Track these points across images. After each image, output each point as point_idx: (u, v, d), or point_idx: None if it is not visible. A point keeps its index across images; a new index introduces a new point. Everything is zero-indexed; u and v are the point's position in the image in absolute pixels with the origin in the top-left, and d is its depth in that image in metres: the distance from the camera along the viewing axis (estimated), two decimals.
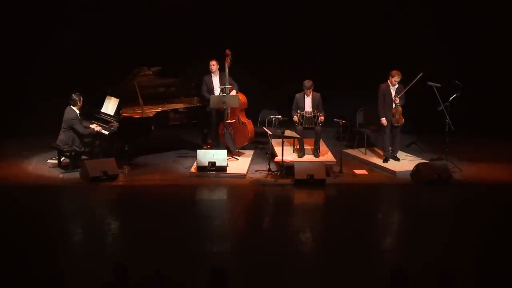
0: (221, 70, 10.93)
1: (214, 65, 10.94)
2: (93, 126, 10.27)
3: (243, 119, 11.14)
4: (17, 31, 12.22)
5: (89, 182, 9.64)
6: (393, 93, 10.40)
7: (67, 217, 8.65)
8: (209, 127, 11.29)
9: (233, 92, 10.87)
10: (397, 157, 10.72)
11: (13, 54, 12.19)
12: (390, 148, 10.75)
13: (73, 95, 10.12)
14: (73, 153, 10.09)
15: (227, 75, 10.84)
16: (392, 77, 10.36)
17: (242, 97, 11.04)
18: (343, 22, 12.59)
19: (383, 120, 10.47)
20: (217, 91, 10.90)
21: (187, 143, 11.78)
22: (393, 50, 12.28)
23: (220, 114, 10.96)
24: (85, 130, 10.12)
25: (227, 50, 10.80)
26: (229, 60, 10.81)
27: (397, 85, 10.39)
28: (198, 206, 9.39)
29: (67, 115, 10.07)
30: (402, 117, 10.43)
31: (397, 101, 10.34)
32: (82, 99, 10.14)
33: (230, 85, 10.86)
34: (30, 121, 11.81)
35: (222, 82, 10.93)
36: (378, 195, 9.83)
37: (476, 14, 12.42)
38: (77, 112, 10.11)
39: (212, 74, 11.02)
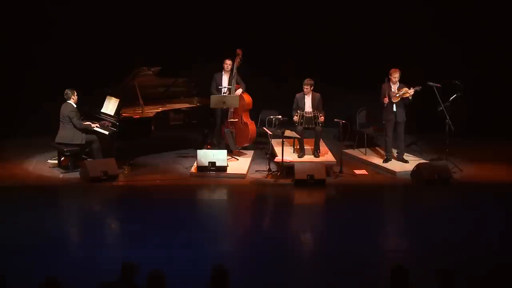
0: (231, 69, 10.96)
1: (229, 64, 10.93)
2: (88, 122, 10.30)
3: (246, 119, 11.12)
4: (17, 31, 12.21)
5: (89, 182, 9.65)
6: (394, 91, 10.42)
7: (67, 217, 8.64)
8: (209, 127, 11.29)
9: (239, 91, 10.87)
10: (405, 159, 10.67)
11: (13, 54, 12.19)
12: (395, 150, 10.75)
13: (66, 90, 10.13)
14: (73, 153, 10.09)
15: (234, 74, 10.85)
16: (391, 75, 10.37)
17: (247, 98, 11.03)
18: (343, 22, 12.59)
19: (386, 99, 10.36)
20: (223, 90, 10.90)
21: (187, 143, 11.78)
22: (394, 49, 12.27)
23: (225, 113, 10.97)
24: (80, 124, 10.12)
25: (238, 50, 10.82)
26: (238, 60, 10.82)
27: (398, 84, 10.38)
28: (198, 206, 9.39)
29: (64, 109, 10.07)
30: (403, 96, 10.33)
31: (395, 100, 10.31)
32: (76, 93, 10.13)
33: (237, 84, 10.87)
34: (30, 121, 11.80)
35: (230, 81, 10.94)
36: (378, 195, 9.83)
37: (477, 14, 12.43)
38: (74, 105, 10.11)
39: (224, 73, 11.03)
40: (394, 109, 10.36)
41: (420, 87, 10.22)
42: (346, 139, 11.74)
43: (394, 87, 10.39)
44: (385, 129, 10.61)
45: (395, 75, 10.34)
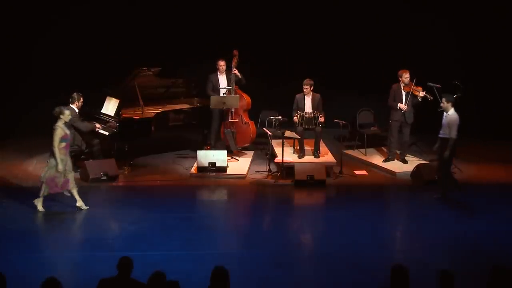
0: (228, 69, 10.96)
1: (222, 65, 10.95)
2: (94, 124, 10.30)
3: (246, 119, 11.14)
4: (16, 31, 12.22)
5: (89, 182, 9.64)
6: (403, 93, 10.42)
7: (67, 218, 8.63)
8: (209, 127, 11.30)
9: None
10: (405, 160, 10.70)
11: (12, 54, 12.19)
12: (398, 151, 10.75)
13: (74, 93, 10.09)
14: (73, 154, 10.08)
15: (233, 75, 10.85)
16: (401, 76, 10.39)
17: (247, 98, 11.04)
18: (344, 23, 12.59)
19: (401, 105, 10.40)
20: (222, 90, 10.91)
21: (187, 143, 11.78)
22: (395, 50, 12.27)
23: (223, 113, 10.96)
24: (86, 126, 10.11)
25: (234, 51, 10.83)
26: (236, 61, 10.83)
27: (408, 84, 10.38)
28: (198, 207, 9.39)
29: None
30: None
31: (406, 90, 10.35)
32: (82, 99, 10.09)
33: (236, 84, 10.87)
34: (29, 121, 11.80)
35: (228, 82, 10.95)
36: (378, 196, 9.83)
37: (478, 14, 12.44)
38: (76, 110, 10.08)
39: (219, 73, 11.03)
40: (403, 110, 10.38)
41: (432, 98, 10.22)
42: (346, 140, 11.73)
43: (405, 91, 10.40)
44: (390, 129, 10.62)
45: (406, 76, 10.36)
